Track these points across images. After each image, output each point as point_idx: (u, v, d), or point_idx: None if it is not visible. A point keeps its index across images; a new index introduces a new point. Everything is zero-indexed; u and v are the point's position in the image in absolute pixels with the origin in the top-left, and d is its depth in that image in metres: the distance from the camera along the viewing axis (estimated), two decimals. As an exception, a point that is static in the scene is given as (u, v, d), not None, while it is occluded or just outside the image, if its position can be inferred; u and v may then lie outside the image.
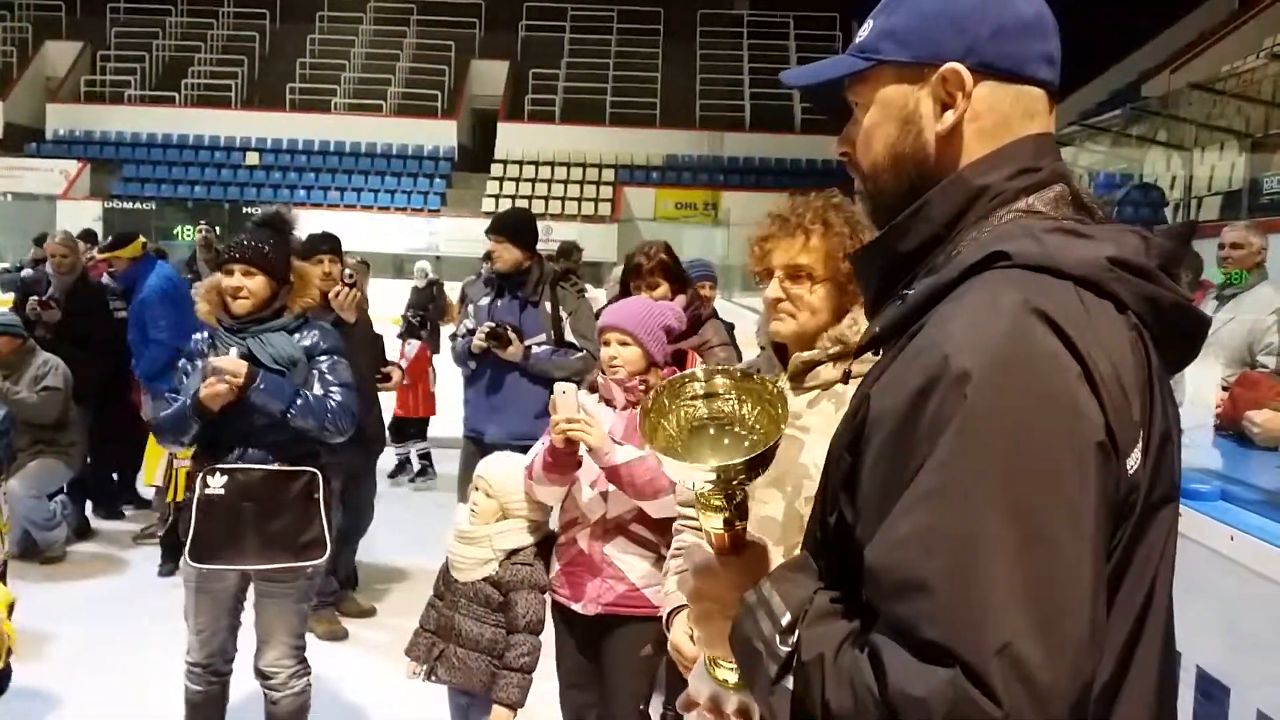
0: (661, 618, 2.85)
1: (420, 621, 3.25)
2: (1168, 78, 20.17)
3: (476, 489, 3.17)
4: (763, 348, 2.26)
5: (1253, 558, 2.28)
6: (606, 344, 3.02)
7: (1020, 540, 0.90)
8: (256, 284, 3.34)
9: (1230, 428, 3.60)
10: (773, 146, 26.79)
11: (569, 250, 8.48)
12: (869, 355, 2.01)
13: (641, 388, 2.99)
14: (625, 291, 4.15)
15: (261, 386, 3.24)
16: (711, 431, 1.28)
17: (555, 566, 3.09)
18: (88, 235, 11.11)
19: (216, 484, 3.27)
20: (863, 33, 1.18)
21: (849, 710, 0.95)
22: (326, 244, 5.02)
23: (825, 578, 1.11)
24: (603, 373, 3.06)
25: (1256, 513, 2.49)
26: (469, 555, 3.12)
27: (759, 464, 1.21)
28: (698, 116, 27.88)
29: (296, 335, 3.42)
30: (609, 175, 26.73)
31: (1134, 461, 0.98)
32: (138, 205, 23.74)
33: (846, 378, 2.00)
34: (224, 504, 3.26)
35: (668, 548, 3.03)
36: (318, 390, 3.38)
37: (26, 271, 6.92)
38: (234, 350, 3.29)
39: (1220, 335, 4.67)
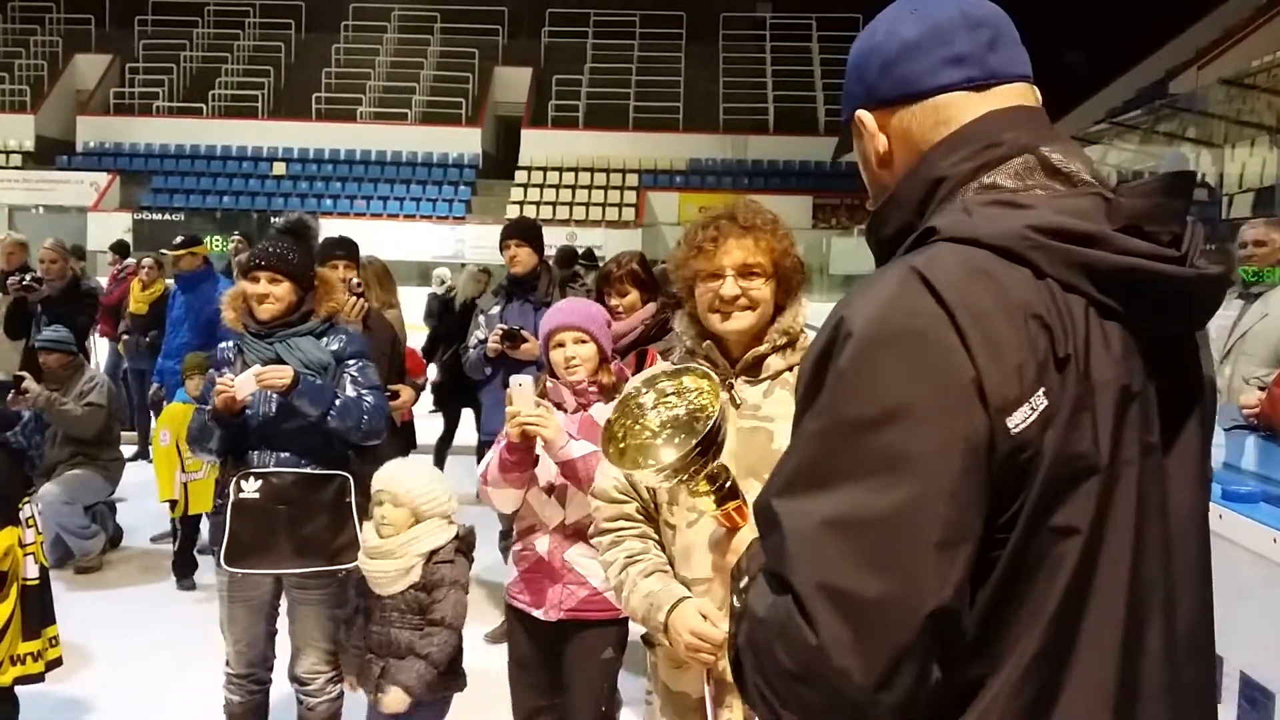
0: (624, 618, 2.98)
1: (344, 638, 3.28)
2: (1195, 74, 19.95)
3: (381, 503, 3.15)
4: (691, 351, 2.27)
5: (1294, 560, 2.24)
6: (561, 345, 3.00)
7: (864, 486, 0.97)
8: (282, 290, 3.38)
9: (1268, 428, 3.55)
10: (797, 149, 26.71)
11: (570, 255, 8.52)
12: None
13: (594, 389, 3.01)
14: (599, 297, 4.27)
15: (303, 390, 3.27)
16: (682, 429, 1.43)
17: (513, 573, 3.08)
18: (120, 246, 11.25)
19: (250, 488, 3.28)
20: None
21: (742, 642, 1.07)
22: (342, 249, 4.89)
23: None
24: (553, 377, 3.04)
25: (1298, 514, 2.45)
26: (388, 568, 3.11)
27: (708, 446, 1.35)
28: (721, 120, 27.86)
29: (324, 340, 3.46)
30: (633, 180, 26.75)
31: (1020, 421, 0.99)
32: (167, 216, 23.94)
33: (792, 369, 2.18)
34: (258, 507, 3.28)
35: None
36: (350, 393, 3.40)
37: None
38: (255, 364, 3.31)
39: (1254, 334, 4.61)
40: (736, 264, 2.17)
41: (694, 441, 1.34)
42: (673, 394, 1.47)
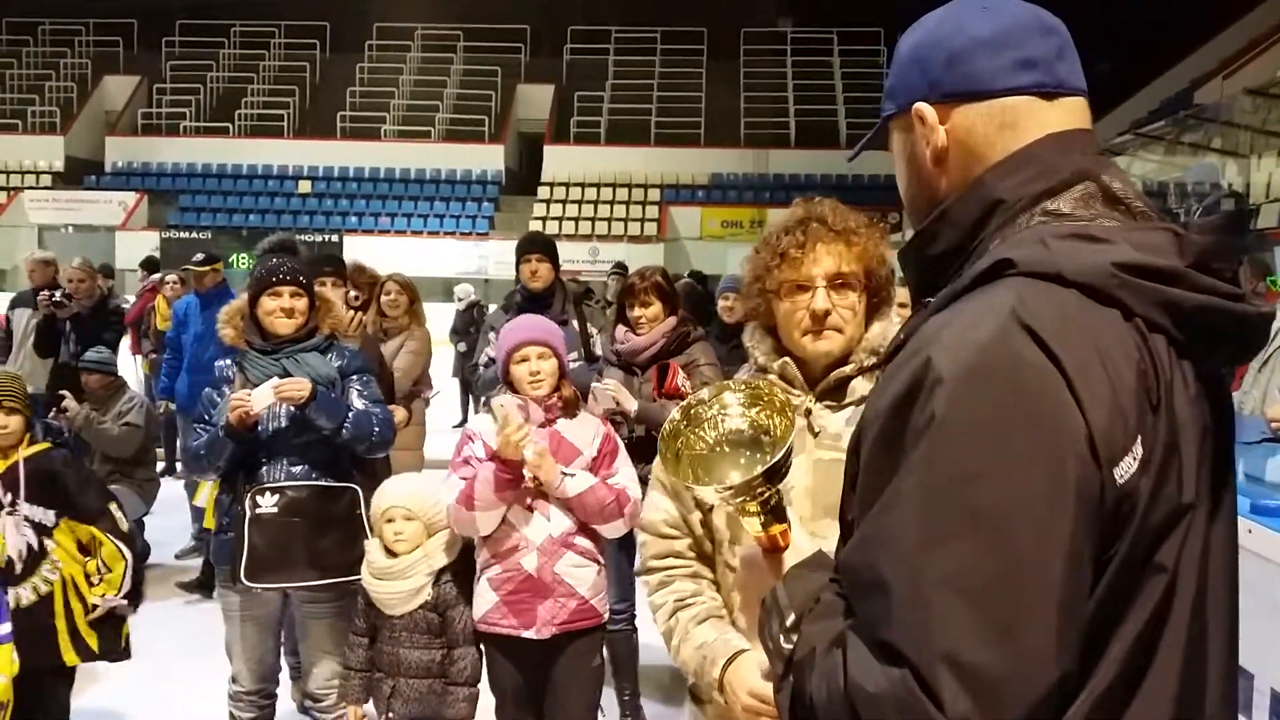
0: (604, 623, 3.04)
1: (345, 663, 3.22)
2: (1220, 84, 19.82)
3: (391, 520, 3.12)
4: (763, 369, 2.02)
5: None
6: (524, 360, 3.02)
7: (980, 546, 0.91)
8: (303, 305, 3.43)
9: (1298, 440, 3.50)
10: (818, 162, 26.70)
11: None
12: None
13: (560, 404, 3.04)
14: (621, 311, 4.29)
15: (320, 403, 3.29)
16: (745, 445, 1.34)
17: (492, 599, 3.01)
18: (150, 263, 11.39)
19: (268, 503, 3.28)
20: None
21: (823, 704, 0.99)
22: (330, 265, 4.78)
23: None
24: (512, 392, 3.05)
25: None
26: (399, 589, 3.09)
27: (776, 471, 1.25)
28: (742, 134, 27.90)
29: (328, 355, 3.48)
30: (655, 195, 26.81)
31: (1125, 470, 0.96)
32: (194, 235, 24.21)
33: None
34: (277, 522, 3.28)
35: (603, 554, 3.09)
36: (360, 406, 3.43)
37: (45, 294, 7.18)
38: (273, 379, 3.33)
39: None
40: (828, 273, 1.92)
41: (768, 463, 1.25)
42: (739, 405, 1.37)
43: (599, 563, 3.05)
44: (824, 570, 1.16)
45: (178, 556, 6.51)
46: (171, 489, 6.86)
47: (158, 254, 18.16)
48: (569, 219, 25.97)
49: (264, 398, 3.24)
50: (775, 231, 1.98)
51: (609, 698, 3.93)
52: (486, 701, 3.20)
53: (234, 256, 23.02)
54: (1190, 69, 22.97)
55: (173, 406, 6.98)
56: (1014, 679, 0.89)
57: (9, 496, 3.38)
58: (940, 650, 0.90)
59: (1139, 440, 0.97)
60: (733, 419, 1.37)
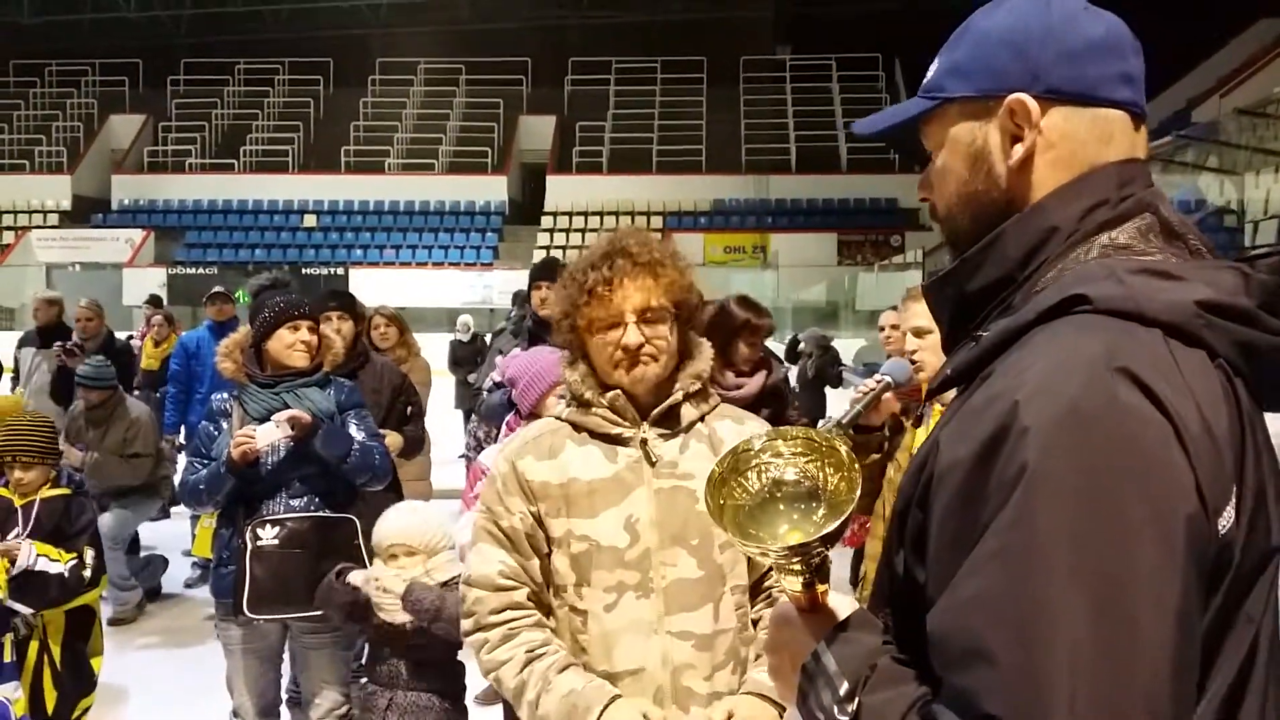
0: None
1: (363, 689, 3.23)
2: (1217, 103, 19.95)
3: (394, 555, 3.05)
4: (587, 404, 2.00)
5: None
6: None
7: (1092, 611, 0.84)
8: (315, 340, 3.49)
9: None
10: (819, 187, 26.84)
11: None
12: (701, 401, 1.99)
13: None
14: (723, 347, 4.11)
15: (328, 433, 3.34)
16: (795, 498, 1.21)
17: None
18: (155, 300, 11.46)
19: (269, 535, 3.29)
20: (930, 72, 1.14)
21: None
22: (335, 300, 4.72)
23: (892, 633, 1.06)
24: (530, 418, 3.04)
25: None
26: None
27: (835, 536, 1.14)
28: (743, 161, 28.06)
29: (326, 390, 3.52)
30: (657, 222, 26.93)
31: (1226, 521, 0.91)
32: (200, 270, 24.33)
33: (704, 419, 2.01)
34: (278, 554, 3.29)
35: None
36: (360, 439, 3.48)
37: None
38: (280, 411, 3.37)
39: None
40: (637, 308, 1.91)
41: (828, 525, 1.13)
42: (790, 454, 1.24)
43: None
44: (870, 631, 1.07)
45: (187, 585, 6.54)
46: (176, 524, 6.88)
47: (164, 290, 18.29)
48: (573, 248, 26.07)
49: (268, 434, 3.27)
50: (581, 268, 1.96)
51: None
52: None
53: (239, 292, 23.16)
54: (1187, 89, 23.12)
55: (178, 440, 6.92)
56: None
57: (15, 531, 3.53)
58: None
59: (1234, 488, 0.92)
60: (782, 468, 1.23)
